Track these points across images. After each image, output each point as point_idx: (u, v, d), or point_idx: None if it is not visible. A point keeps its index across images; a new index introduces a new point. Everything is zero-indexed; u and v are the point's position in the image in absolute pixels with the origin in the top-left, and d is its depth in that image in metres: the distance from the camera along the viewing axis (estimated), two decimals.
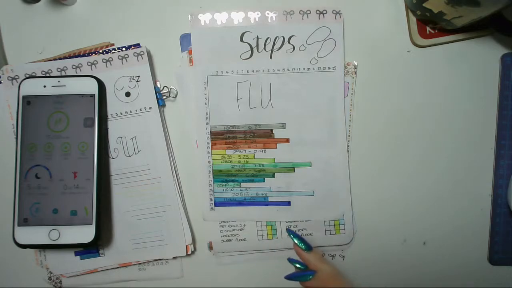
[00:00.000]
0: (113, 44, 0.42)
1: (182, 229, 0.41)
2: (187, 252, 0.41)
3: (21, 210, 0.38)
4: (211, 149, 0.42)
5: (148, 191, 0.41)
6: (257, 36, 0.41)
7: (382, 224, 0.43)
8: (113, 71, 0.40)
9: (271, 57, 0.41)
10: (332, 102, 0.42)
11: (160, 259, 0.42)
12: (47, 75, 0.40)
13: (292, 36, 0.41)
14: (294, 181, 0.42)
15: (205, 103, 0.42)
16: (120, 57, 0.40)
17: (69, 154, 0.38)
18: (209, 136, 0.42)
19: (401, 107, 0.43)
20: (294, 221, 0.42)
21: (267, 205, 0.42)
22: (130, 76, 0.41)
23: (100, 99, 0.39)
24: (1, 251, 0.43)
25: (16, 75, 0.40)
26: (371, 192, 0.43)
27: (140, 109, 0.41)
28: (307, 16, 0.41)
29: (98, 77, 0.39)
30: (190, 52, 0.41)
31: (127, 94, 0.41)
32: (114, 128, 0.41)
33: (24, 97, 0.38)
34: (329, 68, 0.41)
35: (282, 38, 0.41)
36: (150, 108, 0.41)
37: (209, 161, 0.42)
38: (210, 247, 0.43)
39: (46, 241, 0.37)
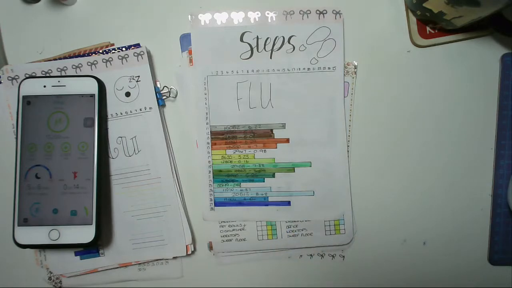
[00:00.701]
0: (113, 44, 0.42)
1: (182, 229, 0.41)
2: (187, 252, 0.41)
3: (21, 210, 0.38)
4: (211, 149, 0.42)
5: (148, 191, 0.41)
6: (257, 36, 0.41)
7: (382, 224, 0.43)
8: (113, 71, 0.40)
9: (271, 57, 0.41)
10: (332, 102, 0.42)
11: (160, 259, 0.42)
12: (47, 75, 0.40)
13: (292, 36, 0.41)
14: (294, 181, 0.42)
15: (205, 103, 0.42)
16: (120, 57, 0.40)
17: (69, 154, 0.38)
18: (209, 136, 0.42)
19: (401, 107, 0.43)
20: (294, 221, 0.42)
21: (267, 205, 0.42)
22: (130, 76, 0.41)
23: (100, 99, 0.39)
24: (1, 251, 0.42)
25: (16, 75, 0.40)
26: (371, 192, 0.43)
27: (140, 109, 0.41)
28: (307, 16, 0.41)
29: (98, 77, 0.39)
30: (190, 52, 0.41)
31: (127, 94, 0.41)
32: (114, 128, 0.41)
33: (24, 97, 0.38)
34: (329, 68, 0.41)
35: (282, 38, 0.41)
36: (150, 108, 0.41)
37: (209, 161, 0.42)
38: (210, 247, 0.43)
39: (46, 241, 0.37)
